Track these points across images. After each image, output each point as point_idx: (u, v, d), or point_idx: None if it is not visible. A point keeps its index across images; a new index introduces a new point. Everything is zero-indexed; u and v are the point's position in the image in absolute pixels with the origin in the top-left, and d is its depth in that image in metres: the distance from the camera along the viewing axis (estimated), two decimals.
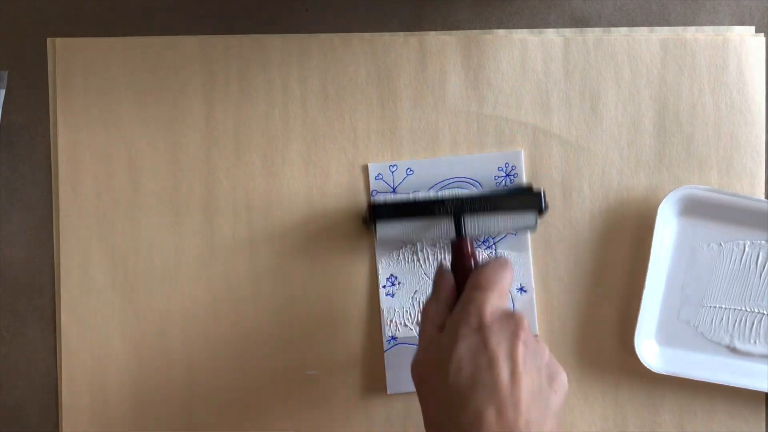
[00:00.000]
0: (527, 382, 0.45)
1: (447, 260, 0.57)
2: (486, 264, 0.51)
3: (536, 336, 0.49)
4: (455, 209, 0.56)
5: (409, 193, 0.60)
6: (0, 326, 0.59)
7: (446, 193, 0.59)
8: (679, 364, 0.59)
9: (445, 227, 0.57)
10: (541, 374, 0.47)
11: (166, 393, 0.59)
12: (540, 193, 0.57)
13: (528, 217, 0.58)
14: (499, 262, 0.51)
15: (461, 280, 0.52)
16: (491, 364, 0.45)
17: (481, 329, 0.47)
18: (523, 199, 0.57)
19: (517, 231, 0.60)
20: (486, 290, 0.49)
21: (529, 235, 0.60)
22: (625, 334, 0.60)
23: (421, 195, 0.59)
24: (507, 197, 0.57)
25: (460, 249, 0.54)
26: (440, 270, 0.53)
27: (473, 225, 0.57)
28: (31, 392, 0.59)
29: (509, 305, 0.60)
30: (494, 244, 0.60)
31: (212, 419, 0.59)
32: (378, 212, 0.57)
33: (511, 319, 0.47)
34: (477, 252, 0.55)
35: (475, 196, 0.57)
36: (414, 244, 0.60)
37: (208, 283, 0.59)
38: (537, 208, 0.57)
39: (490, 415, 0.43)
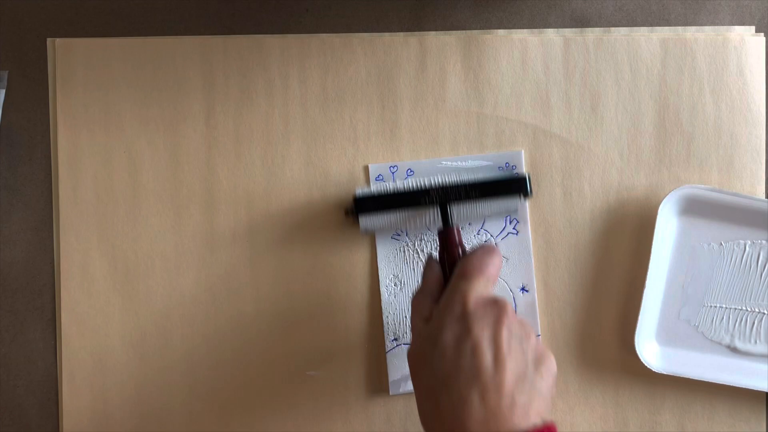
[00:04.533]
0: (511, 366, 0.45)
1: (435, 250, 0.57)
2: (472, 251, 0.51)
3: (523, 321, 0.49)
4: (440, 198, 0.56)
5: (394, 182, 0.59)
6: (0, 326, 0.59)
7: (432, 180, 0.58)
8: (680, 363, 0.59)
9: (431, 216, 0.57)
10: (527, 358, 0.47)
11: (166, 393, 0.59)
12: (525, 178, 0.57)
13: (511, 202, 0.58)
14: (485, 249, 0.51)
15: (450, 270, 0.52)
16: (474, 350, 0.45)
17: (465, 317, 0.47)
18: (509, 185, 0.57)
19: (501, 215, 0.60)
20: (471, 278, 0.49)
21: (530, 236, 0.60)
22: (626, 334, 0.60)
23: (406, 184, 0.58)
24: (493, 184, 0.57)
25: (447, 238, 0.54)
26: (428, 261, 0.54)
27: (459, 213, 0.57)
28: (31, 392, 0.59)
29: (510, 300, 0.60)
30: (496, 244, 0.60)
31: (212, 419, 0.59)
32: (360, 205, 0.57)
33: (495, 306, 0.48)
34: (463, 240, 0.55)
35: (460, 183, 0.57)
36: (411, 239, 0.59)
37: (209, 283, 0.59)
38: (522, 193, 0.57)
39: (474, 398, 0.44)
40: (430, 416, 0.47)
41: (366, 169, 0.60)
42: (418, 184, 0.57)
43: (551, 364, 0.48)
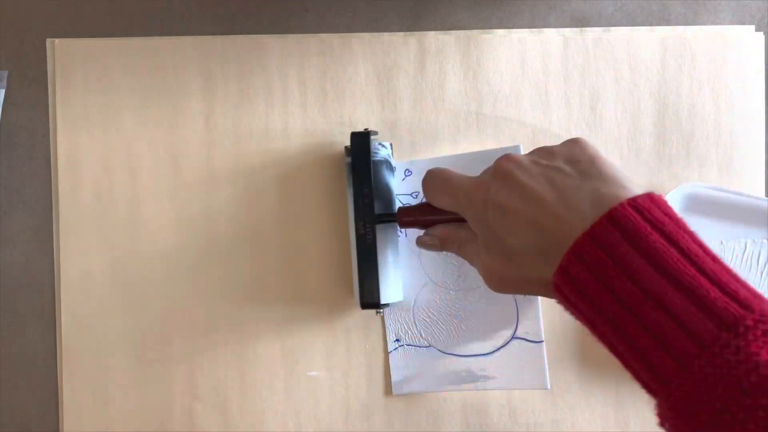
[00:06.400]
0: (542, 186, 0.43)
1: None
2: (423, 190, 0.52)
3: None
4: (370, 219, 0.56)
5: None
6: (0, 326, 0.59)
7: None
8: None
9: (391, 228, 0.58)
10: (556, 165, 0.44)
11: (166, 393, 0.59)
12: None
13: None
14: (422, 184, 0.52)
15: (432, 219, 0.53)
16: (505, 215, 0.43)
17: (485, 205, 0.45)
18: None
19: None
20: (449, 189, 0.49)
21: None
22: None
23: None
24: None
25: (409, 219, 0.55)
26: (424, 240, 0.54)
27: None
28: (31, 392, 0.59)
29: (512, 302, 0.60)
30: None
31: (213, 420, 0.59)
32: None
33: (483, 177, 0.46)
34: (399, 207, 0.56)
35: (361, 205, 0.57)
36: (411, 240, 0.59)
37: (209, 283, 0.59)
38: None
39: (538, 240, 0.42)
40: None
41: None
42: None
43: (575, 146, 0.45)
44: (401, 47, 0.61)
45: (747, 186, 0.61)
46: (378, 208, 0.56)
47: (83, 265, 0.59)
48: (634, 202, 0.39)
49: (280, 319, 0.60)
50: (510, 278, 0.45)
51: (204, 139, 0.60)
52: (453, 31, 0.61)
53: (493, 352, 0.60)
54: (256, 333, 0.59)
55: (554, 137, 0.61)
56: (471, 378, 0.60)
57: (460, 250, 0.50)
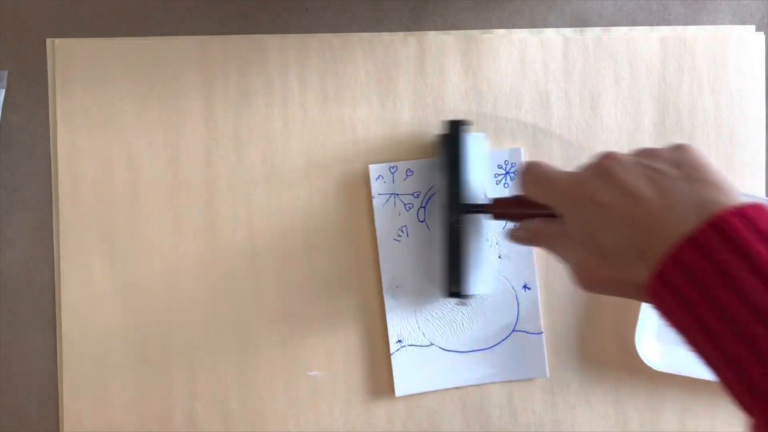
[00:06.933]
0: (642, 185, 0.41)
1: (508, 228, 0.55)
2: (521, 181, 0.49)
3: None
4: (461, 209, 0.55)
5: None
6: (0, 326, 0.59)
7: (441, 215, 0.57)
8: (681, 361, 0.59)
9: (478, 219, 0.57)
10: (657, 167, 0.42)
11: (166, 393, 0.59)
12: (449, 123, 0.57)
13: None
14: (519, 174, 0.49)
15: (526, 213, 0.51)
16: (602, 212, 0.42)
17: (582, 197, 0.43)
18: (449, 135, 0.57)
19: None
20: (547, 182, 0.46)
21: None
22: (626, 332, 0.60)
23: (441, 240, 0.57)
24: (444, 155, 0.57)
25: (502, 211, 0.52)
26: (517, 234, 0.51)
27: (463, 192, 0.56)
28: (31, 392, 0.59)
29: (513, 299, 0.60)
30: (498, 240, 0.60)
31: (213, 420, 0.59)
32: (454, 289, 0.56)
33: (588, 169, 0.44)
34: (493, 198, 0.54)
35: (445, 191, 0.56)
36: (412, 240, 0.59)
37: (208, 283, 0.59)
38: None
39: (637, 240, 0.40)
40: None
41: (366, 168, 0.60)
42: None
43: (681, 150, 0.43)
44: (401, 47, 0.61)
45: (747, 185, 0.61)
46: (466, 199, 0.55)
47: (83, 265, 0.59)
48: (741, 211, 0.37)
49: (280, 319, 0.59)
50: (602, 278, 0.43)
51: (204, 139, 0.60)
52: (453, 31, 0.61)
53: (494, 345, 0.60)
54: (256, 333, 0.59)
55: (554, 137, 0.61)
56: (473, 372, 0.60)
57: (552, 246, 0.48)
